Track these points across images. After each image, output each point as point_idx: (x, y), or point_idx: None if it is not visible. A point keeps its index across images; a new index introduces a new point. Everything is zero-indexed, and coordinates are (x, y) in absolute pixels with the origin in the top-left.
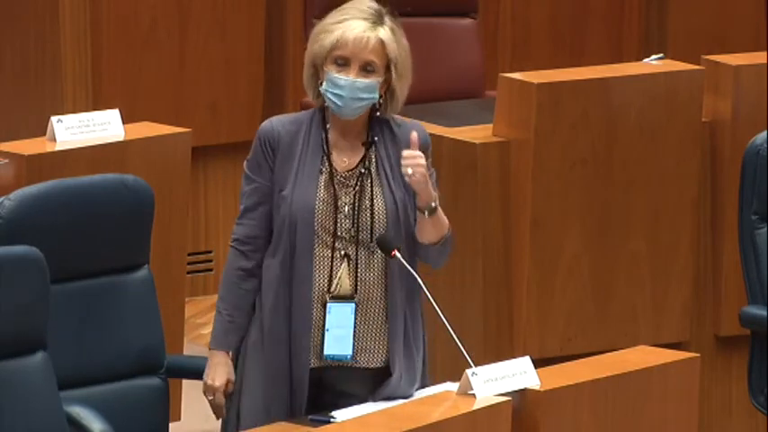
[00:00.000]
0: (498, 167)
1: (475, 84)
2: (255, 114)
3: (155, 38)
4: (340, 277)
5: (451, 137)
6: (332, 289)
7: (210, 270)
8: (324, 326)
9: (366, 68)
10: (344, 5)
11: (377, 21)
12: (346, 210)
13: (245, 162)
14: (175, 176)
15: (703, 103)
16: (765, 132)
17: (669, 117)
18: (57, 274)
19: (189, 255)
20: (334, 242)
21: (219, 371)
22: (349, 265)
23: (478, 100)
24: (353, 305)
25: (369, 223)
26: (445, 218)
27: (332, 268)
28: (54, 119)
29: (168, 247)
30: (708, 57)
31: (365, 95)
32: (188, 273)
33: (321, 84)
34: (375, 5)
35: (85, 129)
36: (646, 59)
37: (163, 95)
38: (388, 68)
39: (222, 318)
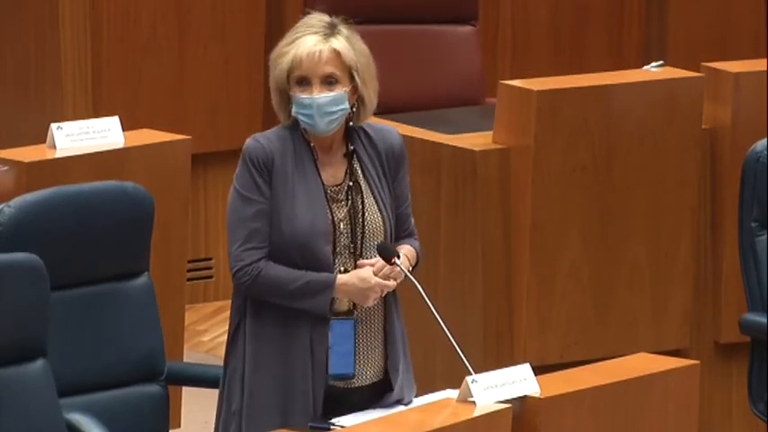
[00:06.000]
0: (498, 174)
1: (475, 91)
2: (255, 121)
3: (154, 44)
4: None
5: (451, 144)
6: (334, 306)
7: (210, 277)
8: (327, 344)
9: (328, 81)
10: (296, 25)
11: (328, 32)
12: (342, 226)
13: (236, 184)
14: (175, 183)
15: (703, 111)
16: (765, 139)
17: (669, 124)
18: (57, 281)
19: (189, 262)
20: (334, 259)
21: (354, 273)
22: None
23: (478, 107)
24: (353, 322)
25: (362, 236)
26: (409, 248)
27: None
28: (54, 126)
29: (168, 254)
30: (708, 64)
31: (334, 108)
32: (188, 280)
33: (291, 107)
34: (326, 18)
35: (85, 136)
36: (646, 66)
37: (163, 102)
38: (352, 77)
39: (310, 278)
